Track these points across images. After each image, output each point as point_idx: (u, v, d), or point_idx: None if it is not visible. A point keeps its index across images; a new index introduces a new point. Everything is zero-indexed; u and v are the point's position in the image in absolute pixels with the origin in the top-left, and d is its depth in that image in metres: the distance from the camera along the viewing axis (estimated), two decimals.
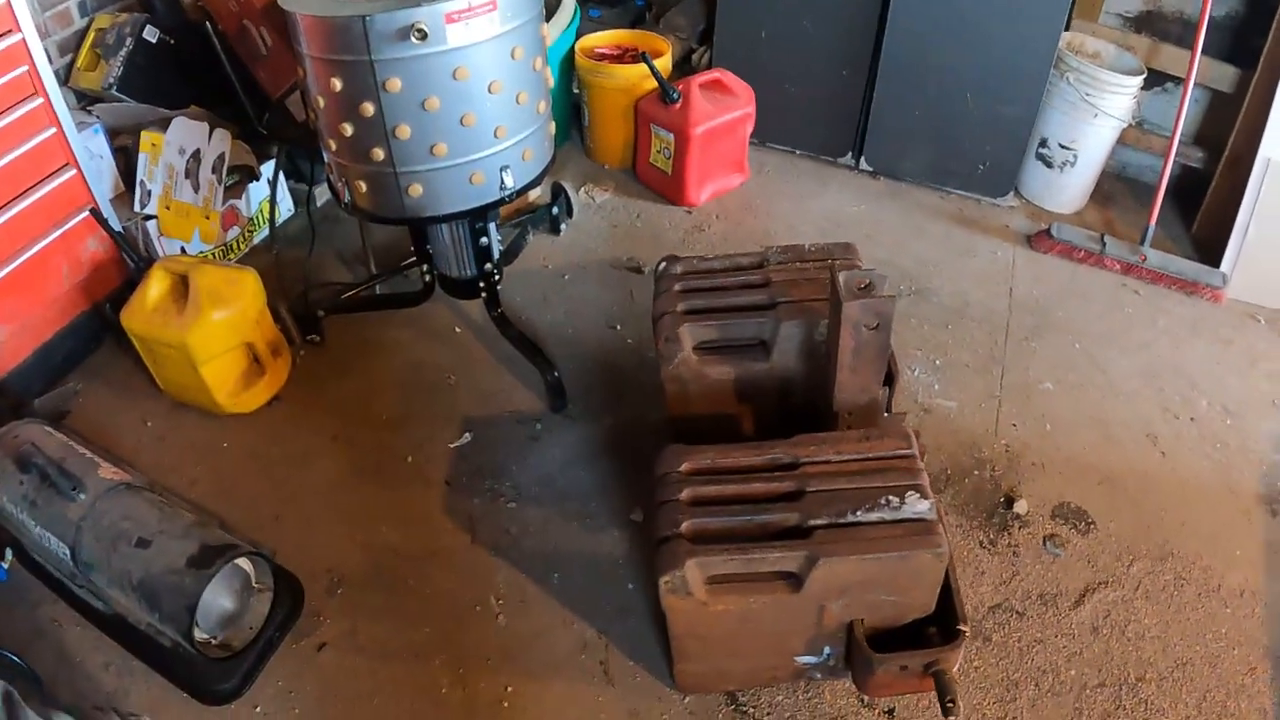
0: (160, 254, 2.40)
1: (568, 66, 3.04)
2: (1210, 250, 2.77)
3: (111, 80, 2.34)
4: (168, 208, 2.36)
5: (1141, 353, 2.52)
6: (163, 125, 2.33)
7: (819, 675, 1.71)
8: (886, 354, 1.61)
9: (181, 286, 2.13)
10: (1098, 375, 2.44)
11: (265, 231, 2.68)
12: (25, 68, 2.03)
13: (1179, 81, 2.72)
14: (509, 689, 1.74)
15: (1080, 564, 1.98)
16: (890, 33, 2.80)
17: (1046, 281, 2.75)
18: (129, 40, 2.36)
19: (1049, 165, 2.94)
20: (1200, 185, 2.91)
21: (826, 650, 1.63)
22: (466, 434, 2.21)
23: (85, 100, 2.44)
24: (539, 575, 1.93)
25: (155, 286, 2.13)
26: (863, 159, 3.12)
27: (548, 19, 2.73)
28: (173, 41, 2.44)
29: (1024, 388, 2.39)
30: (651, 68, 2.75)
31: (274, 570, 1.76)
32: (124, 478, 1.79)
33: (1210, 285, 2.67)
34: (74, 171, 2.20)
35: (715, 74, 2.89)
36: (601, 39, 3.12)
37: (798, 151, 3.23)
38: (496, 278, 2.27)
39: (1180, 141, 2.69)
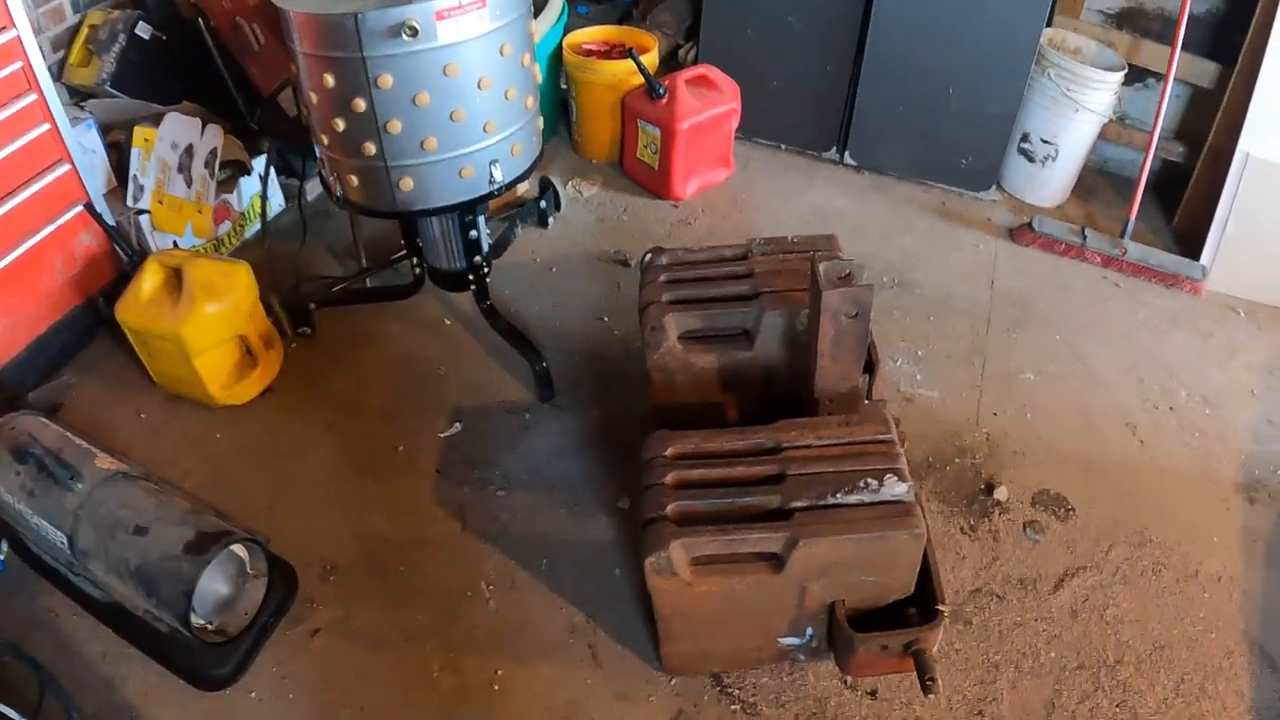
0: (153, 248, 2.42)
1: (555, 62, 3.08)
2: (1191, 243, 2.81)
3: (104, 76, 2.37)
4: (160, 202, 2.39)
5: (1122, 344, 2.56)
6: (155, 121, 2.36)
7: (802, 657, 1.75)
8: (866, 342, 1.65)
9: (175, 280, 2.16)
10: (1078, 366, 2.49)
11: (256, 226, 2.71)
12: (20, 64, 2.05)
13: (1160, 77, 2.76)
14: (499, 672, 1.77)
15: (1060, 549, 2.02)
16: (874, 29, 2.84)
17: (1028, 274, 2.79)
18: (121, 36, 2.38)
19: (1031, 160, 2.99)
20: (1181, 179, 2.96)
21: (809, 631, 1.67)
22: (456, 424, 2.25)
23: (77, 96, 2.46)
24: (528, 561, 1.96)
25: (149, 280, 2.15)
26: (847, 154, 3.16)
27: (536, 15, 2.75)
28: (165, 38, 2.46)
29: (1005, 378, 2.43)
30: (638, 63, 2.79)
31: (268, 557, 1.79)
32: (121, 467, 1.82)
33: (1190, 278, 2.72)
34: (68, 167, 2.22)
35: (701, 70, 2.92)
36: (589, 35, 3.15)
37: (783, 146, 3.27)
38: (485, 270, 2.30)
39: (1161, 136, 2.74)
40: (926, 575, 1.59)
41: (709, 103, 2.86)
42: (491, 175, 1.99)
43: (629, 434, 2.19)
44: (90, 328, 2.42)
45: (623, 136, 3.03)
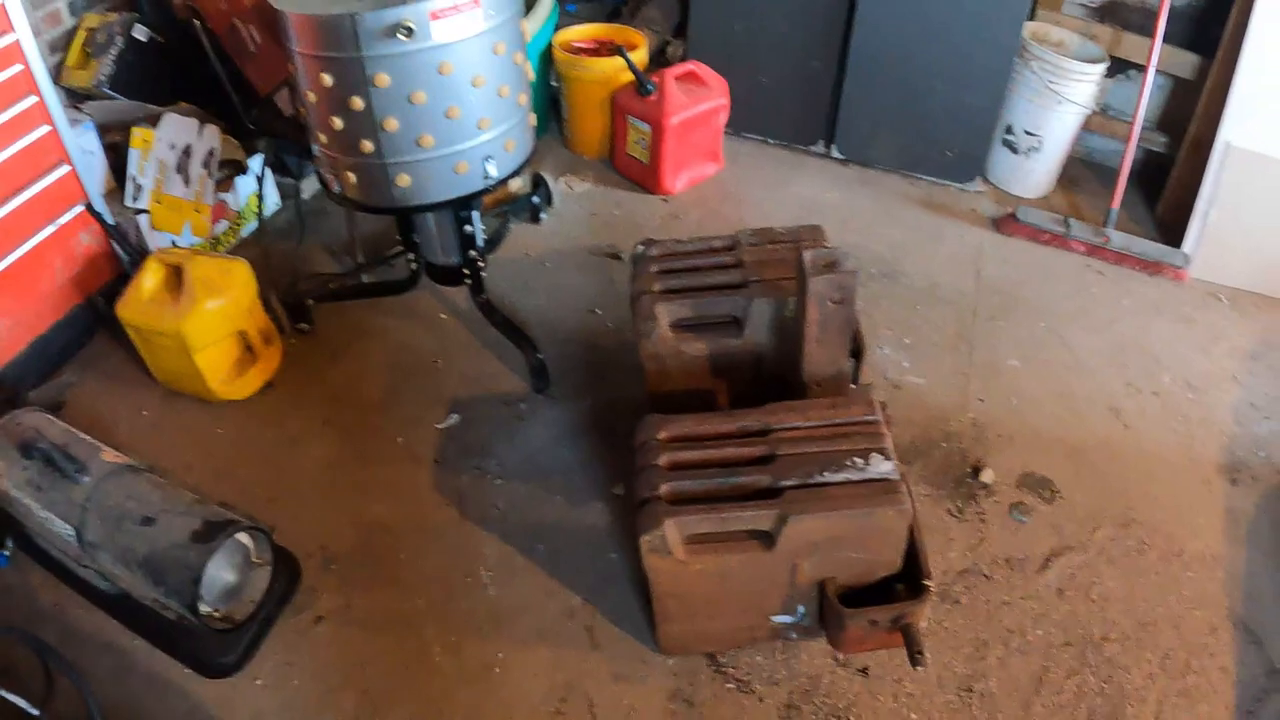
0: (152, 248, 2.46)
1: (546, 60, 3.12)
2: (1173, 232, 2.86)
3: (102, 78, 2.40)
4: (159, 202, 2.42)
5: (1106, 331, 2.61)
6: (153, 121, 2.39)
7: (795, 635, 1.79)
8: (851, 327, 1.69)
9: (175, 278, 2.19)
10: (1063, 353, 2.53)
11: (253, 225, 2.75)
12: (20, 67, 2.09)
13: (1141, 69, 2.81)
14: (500, 655, 1.81)
15: (1046, 530, 2.06)
16: (859, 24, 2.89)
17: (1013, 263, 2.84)
18: (119, 39, 2.42)
19: (1015, 151, 3.04)
20: (1163, 169, 3.02)
21: (801, 609, 1.71)
22: (454, 415, 2.29)
23: (75, 98, 2.50)
24: (526, 547, 2.00)
25: (150, 278, 2.19)
26: (834, 147, 3.21)
27: (526, 14, 2.80)
28: (162, 40, 2.50)
29: (991, 365, 2.48)
30: (628, 61, 2.84)
31: (273, 546, 1.82)
32: (126, 460, 1.85)
33: (1173, 265, 2.77)
34: (67, 168, 2.26)
35: (689, 66, 2.97)
36: (578, 33, 3.20)
37: (770, 140, 3.32)
38: (481, 265, 2.34)
39: (1143, 127, 2.79)
40: (913, 552, 1.64)
41: (698, 99, 2.90)
42: (486, 171, 2.03)
43: (623, 422, 2.24)
44: (90, 327, 2.45)
45: (613, 133, 3.08)
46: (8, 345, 2.25)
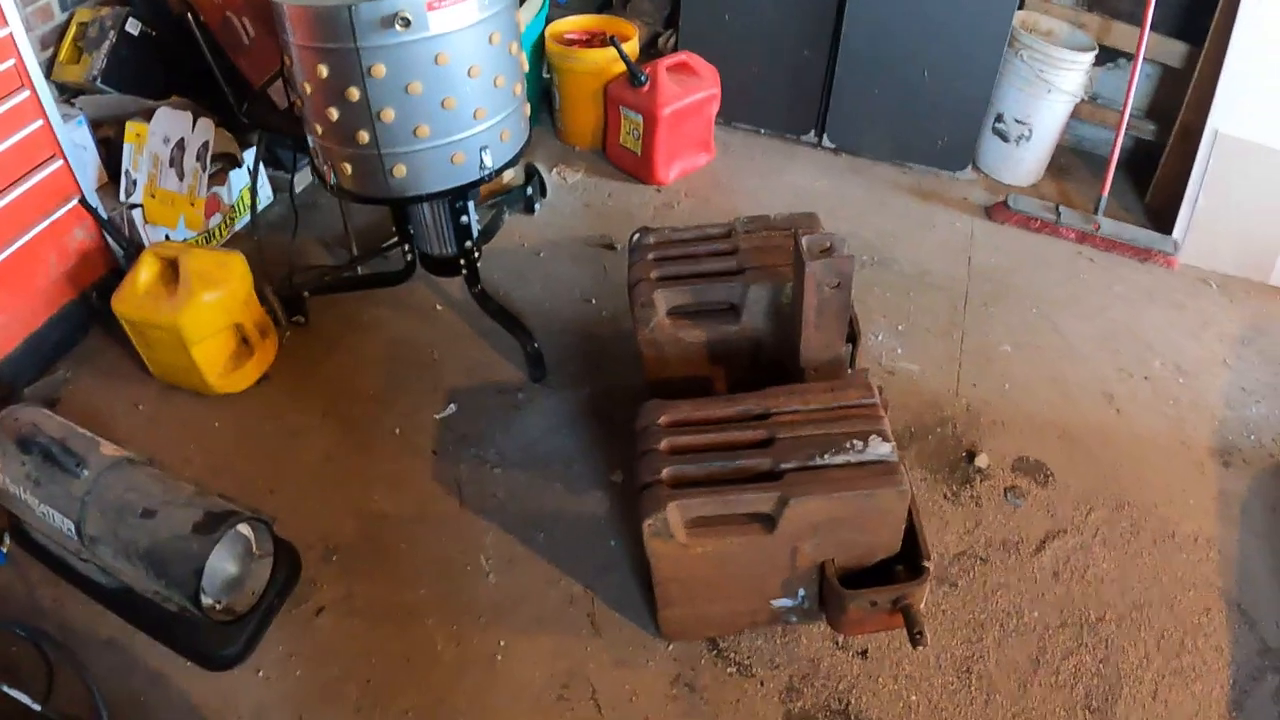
0: (146, 242, 2.45)
1: (537, 52, 3.13)
2: (1163, 218, 2.89)
3: (95, 73, 2.39)
4: (153, 196, 2.42)
5: (1097, 317, 2.64)
6: (146, 115, 2.38)
7: (795, 619, 1.81)
8: (848, 311, 1.71)
9: (171, 271, 2.19)
10: (1055, 338, 2.56)
11: (246, 218, 2.74)
12: (13, 61, 2.08)
13: (1130, 57, 2.84)
14: (502, 644, 1.82)
15: (1040, 513, 2.08)
16: (849, 14, 2.91)
17: (1004, 251, 2.86)
18: (111, 33, 2.41)
19: (1005, 139, 3.06)
20: (1152, 156, 3.04)
21: (801, 592, 1.73)
22: (451, 405, 2.29)
23: (67, 93, 2.48)
24: (526, 536, 2.01)
25: (145, 271, 2.19)
26: (825, 136, 3.23)
27: (519, 5, 2.81)
28: (154, 34, 2.49)
29: (984, 350, 2.50)
30: (620, 52, 2.84)
31: (273, 536, 1.82)
32: (126, 453, 1.85)
33: (1163, 252, 2.80)
34: (61, 163, 2.25)
35: (681, 57, 2.98)
36: (570, 24, 3.20)
37: (762, 130, 3.34)
38: (476, 256, 2.34)
39: (1132, 115, 2.82)
40: (911, 534, 1.65)
41: (690, 89, 2.91)
42: (482, 161, 2.03)
43: (619, 410, 2.25)
44: (84, 322, 2.44)
45: (606, 124, 3.09)
46: (2, 341, 2.24)
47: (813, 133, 3.24)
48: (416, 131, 1.93)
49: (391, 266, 2.55)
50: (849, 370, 1.87)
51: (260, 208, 2.76)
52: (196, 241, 2.58)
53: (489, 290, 2.43)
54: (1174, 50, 2.91)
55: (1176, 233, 2.81)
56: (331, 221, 2.82)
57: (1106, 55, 3.04)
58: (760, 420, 1.62)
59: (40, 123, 2.19)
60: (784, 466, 1.54)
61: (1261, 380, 2.47)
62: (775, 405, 1.63)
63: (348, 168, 2.02)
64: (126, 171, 2.38)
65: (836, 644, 1.83)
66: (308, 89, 1.95)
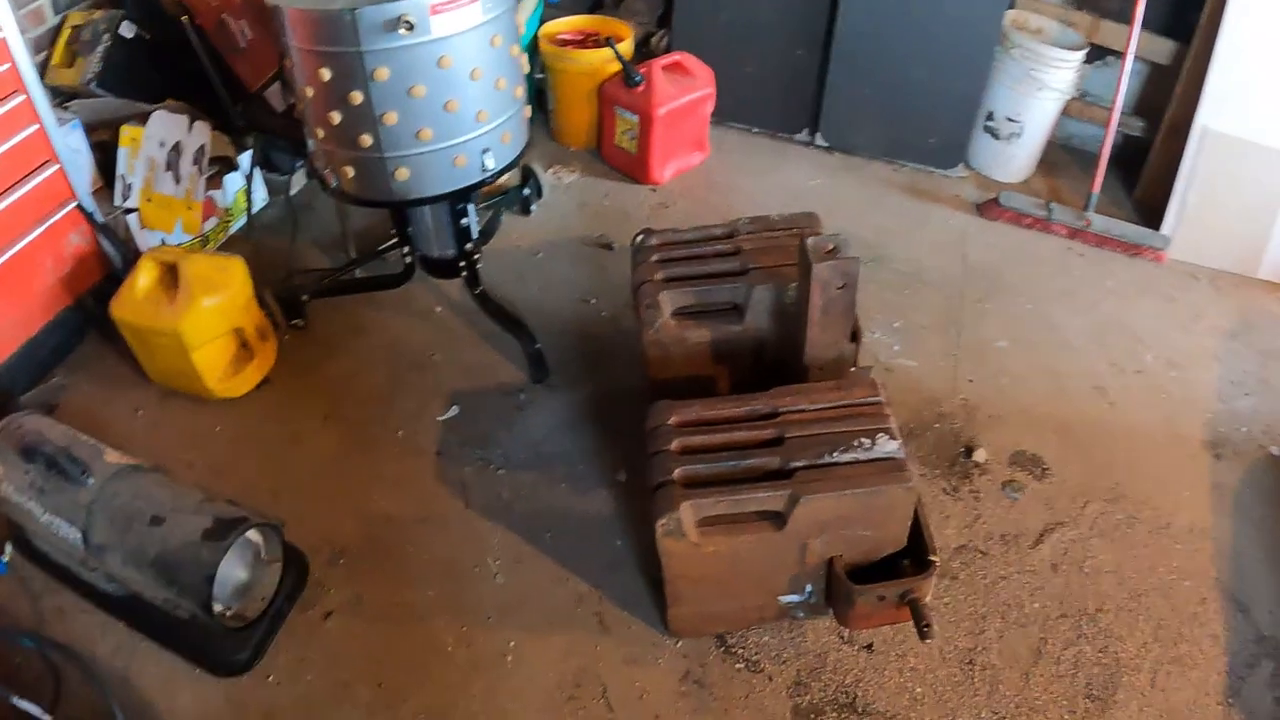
0: (142, 246, 2.43)
1: (531, 52, 3.13)
2: (1152, 214, 2.93)
3: (90, 76, 2.37)
4: (149, 200, 2.40)
5: (1090, 312, 2.67)
6: (141, 119, 2.37)
7: (801, 614, 1.83)
8: (853, 311, 1.73)
9: (170, 276, 2.18)
10: (1049, 333, 2.59)
11: (241, 221, 2.73)
12: (7, 65, 2.06)
13: (1118, 54, 2.87)
14: (511, 644, 1.83)
15: (1038, 506, 2.11)
16: (843, 13, 2.93)
17: (997, 247, 2.90)
18: (105, 36, 2.39)
19: (996, 137, 3.09)
20: (1141, 153, 3.08)
21: (808, 588, 1.75)
22: (454, 407, 2.30)
23: (60, 97, 2.46)
24: (532, 536, 2.02)
25: (144, 276, 2.17)
26: (818, 135, 3.25)
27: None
28: (148, 36, 2.47)
29: (979, 346, 2.53)
30: (616, 53, 2.85)
31: (282, 541, 1.82)
32: (131, 460, 1.85)
33: (1153, 247, 2.84)
34: (56, 167, 2.23)
35: (676, 57, 2.99)
36: (564, 25, 3.20)
37: (755, 129, 3.35)
38: (477, 257, 2.35)
39: (1121, 112, 2.85)
40: (917, 529, 1.68)
41: (685, 89, 2.93)
42: (484, 163, 2.04)
43: (622, 409, 2.26)
44: (80, 328, 2.43)
45: (600, 124, 3.09)
46: None
47: (805, 131, 3.26)
48: (419, 134, 1.93)
49: (390, 269, 2.55)
50: (851, 369, 1.89)
51: (255, 210, 2.75)
52: (192, 245, 2.57)
53: (489, 291, 2.43)
54: (1162, 48, 2.95)
55: (1166, 228, 2.85)
56: (328, 223, 2.81)
57: (1095, 52, 3.07)
58: (769, 419, 1.64)
59: (35, 128, 2.17)
60: (794, 465, 1.56)
61: (1251, 373, 2.51)
62: (783, 404, 1.65)
63: (350, 171, 2.02)
64: (121, 176, 2.37)
65: (842, 638, 1.85)
66: (309, 93, 1.94)
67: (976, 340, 2.55)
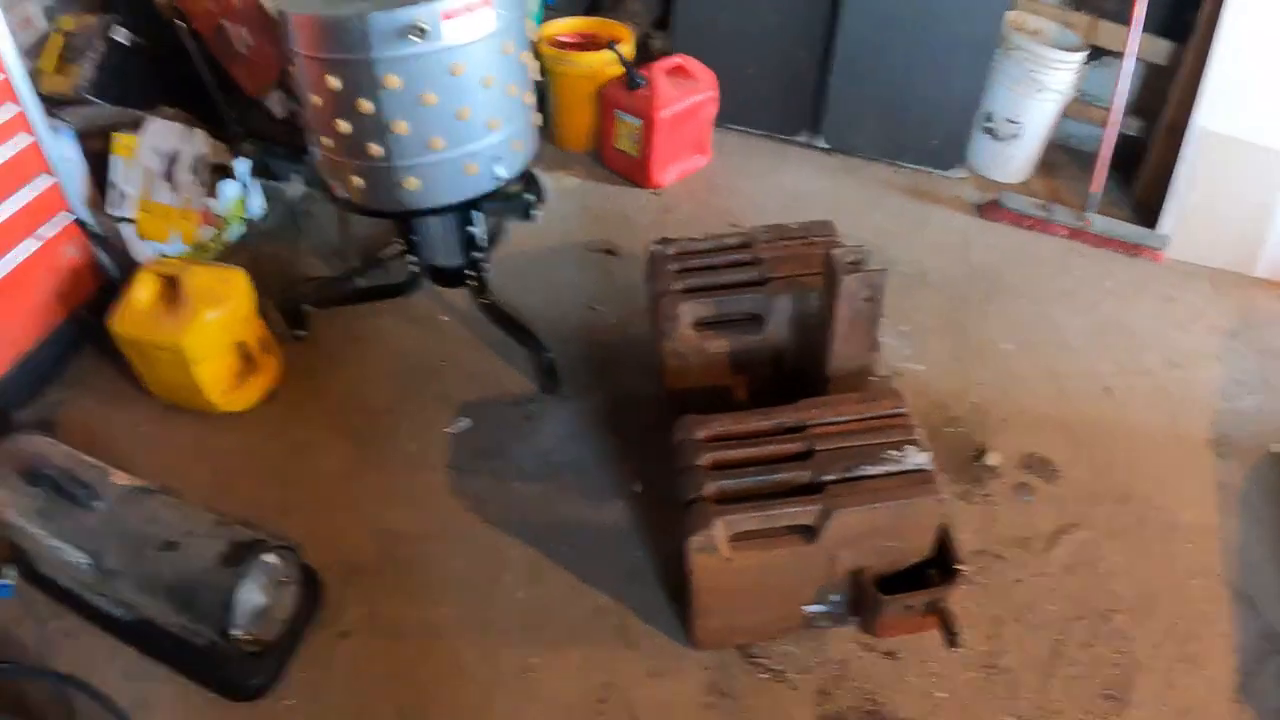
0: (138, 257, 2.37)
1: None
2: (1149, 212, 2.96)
3: (83, 84, 2.30)
4: (145, 210, 2.34)
5: (1091, 312, 2.69)
6: (136, 127, 2.31)
7: (825, 623, 1.83)
8: (878, 323, 1.73)
9: (170, 289, 2.13)
10: (1052, 334, 2.60)
11: (238, 230, 2.67)
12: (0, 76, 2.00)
13: (1116, 55, 2.89)
14: (533, 659, 1.80)
15: (1050, 509, 2.12)
16: (844, 14, 2.92)
17: (999, 248, 2.91)
18: (98, 42, 2.32)
19: (995, 138, 3.10)
20: (1136, 151, 3.11)
21: (834, 598, 1.74)
22: (464, 419, 2.26)
23: (51, 105, 2.39)
24: (549, 548, 1.99)
25: (143, 290, 2.12)
26: (819, 137, 3.24)
27: None
28: (142, 42, 2.41)
29: (986, 349, 2.54)
30: (619, 55, 2.82)
31: (299, 563, 1.79)
32: (139, 482, 1.80)
33: (1151, 247, 2.86)
34: (50, 179, 2.17)
35: (678, 60, 2.96)
36: (562, 27, 3.17)
37: (755, 131, 3.34)
38: (484, 266, 2.31)
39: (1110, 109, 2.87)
40: (942, 537, 1.68)
41: (687, 91, 2.91)
42: (495, 171, 2.01)
43: (633, 418, 2.25)
44: (76, 342, 2.36)
45: (601, 127, 3.06)
46: None
47: (805, 133, 3.25)
48: (431, 143, 1.90)
49: (393, 277, 2.51)
50: (871, 378, 1.89)
51: (252, 218, 2.69)
52: (189, 255, 2.51)
53: (497, 301, 2.40)
54: (1159, 48, 2.97)
55: (1164, 227, 2.87)
56: (327, 231, 2.76)
57: (1092, 53, 3.08)
58: (796, 432, 1.63)
59: (28, 138, 2.11)
60: (825, 478, 1.55)
61: (1251, 371, 2.54)
62: (810, 417, 1.64)
63: (358, 181, 1.98)
64: (116, 185, 2.31)
65: (863, 645, 1.85)
66: (316, 101, 1.90)
67: (982, 343, 2.56)
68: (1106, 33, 3.02)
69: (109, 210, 2.33)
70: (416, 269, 2.38)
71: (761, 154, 3.29)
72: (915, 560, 1.70)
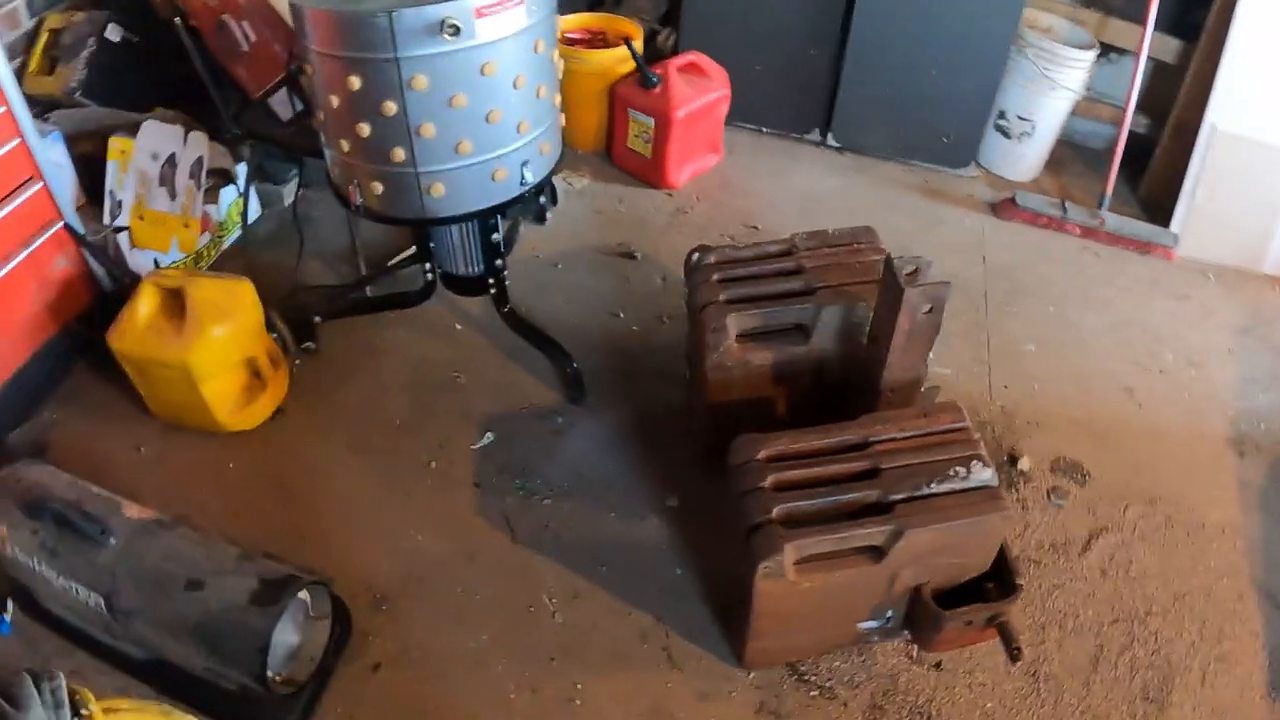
0: (133, 267, 2.24)
1: None
2: (1156, 209, 2.97)
3: (75, 85, 2.15)
4: (141, 218, 2.21)
5: (1107, 311, 2.69)
6: (131, 130, 2.17)
7: (875, 638, 1.79)
8: (935, 335, 1.68)
9: (173, 302, 2.01)
10: (1072, 335, 2.59)
11: (235, 235, 2.54)
12: None
13: (1123, 52, 2.89)
14: (578, 686, 1.74)
15: (1082, 513, 2.11)
16: (859, 11, 2.87)
17: (1015, 248, 2.89)
18: (90, 41, 2.17)
19: (1007, 136, 3.09)
20: (1143, 149, 3.11)
21: (889, 614, 1.70)
22: (488, 434, 2.17)
23: (38, 106, 2.23)
24: (586, 569, 1.92)
25: (145, 304, 1.99)
26: (830, 135, 3.19)
27: None
28: (136, 40, 2.26)
29: (1009, 351, 2.52)
30: (634, 53, 2.74)
31: (332, 597, 1.69)
32: (153, 515, 1.69)
33: (1163, 245, 2.87)
34: (39, 185, 2.03)
35: (691, 57, 2.89)
36: (570, 23, 3.08)
37: (765, 130, 3.28)
38: (505, 274, 2.22)
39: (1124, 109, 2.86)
40: (1000, 551, 1.65)
41: (701, 90, 2.84)
42: (523, 176, 1.92)
43: (662, 428, 2.19)
44: (67, 357, 2.23)
45: (611, 126, 2.98)
46: None
47: (816, 131, 3.20)
48: (458, 147, 1.80)
49: (404, 285, 2.40)
50: (922, 389, 1.85)
51: (249, 223, 2.56)
52: (186, 264, 2.38)
53: (518, 310, 2.31)
54: (1168, 46, 2.97)
55: (1174, 225, 2.88)
56: (330, 236, 2.64)
57: (1102, 50, 3.08)
58: (860, 450, 1.58)
59: (16, 142, 1.96)
60: (893, 498, 1.51)
61: (1265, 369, 2.56)
62: (872, 434, 1.59)
63: (378, 187, 1.88)
64: (110, 192, 2.17)
65: (910, 658, 1.82)
66: (334, 102, 1.79)
67: (1005, 345, 2.54)
68: (1116, 30, 3.01)
69: (104, 218, 2.19)
70: (432, 277, 2.27)
71: (772, 153, 3.23)
72: (974, 574, 1.66)
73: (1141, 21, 2.73)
